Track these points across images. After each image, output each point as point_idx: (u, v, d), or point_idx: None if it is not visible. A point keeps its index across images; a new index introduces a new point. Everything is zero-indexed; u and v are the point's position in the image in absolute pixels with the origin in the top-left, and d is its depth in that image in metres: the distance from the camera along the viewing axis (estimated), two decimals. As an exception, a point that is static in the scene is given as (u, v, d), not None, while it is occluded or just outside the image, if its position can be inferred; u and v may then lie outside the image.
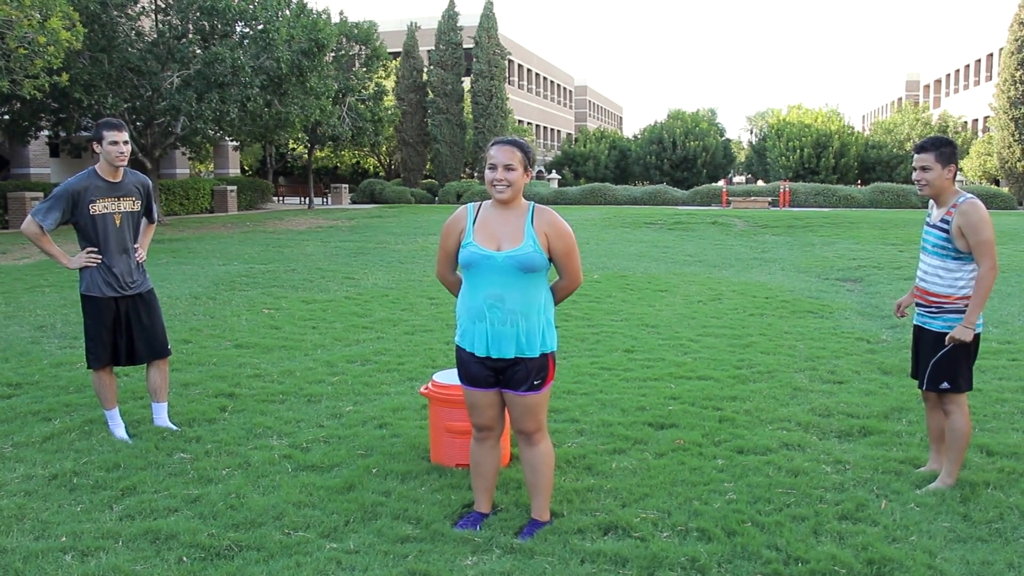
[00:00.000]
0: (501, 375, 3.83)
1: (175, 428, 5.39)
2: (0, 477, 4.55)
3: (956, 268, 4.33)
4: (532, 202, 3.84)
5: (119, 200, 5.22)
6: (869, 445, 5.11)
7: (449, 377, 4.81)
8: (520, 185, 3.75)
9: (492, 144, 3.80)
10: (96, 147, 5.11)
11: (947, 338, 4.31)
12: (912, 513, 4.11)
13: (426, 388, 4.84)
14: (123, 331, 5.29)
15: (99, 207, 5.14)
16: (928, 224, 4.51)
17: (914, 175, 4.45)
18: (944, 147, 4.35)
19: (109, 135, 5.06)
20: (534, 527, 3.92)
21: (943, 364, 4.38)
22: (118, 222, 5.21)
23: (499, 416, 3.97)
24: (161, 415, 5.46)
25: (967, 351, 4.37)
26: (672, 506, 4.19)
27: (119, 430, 5.28)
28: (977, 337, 4.35)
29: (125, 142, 5.13)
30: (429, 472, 4.63)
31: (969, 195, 4.32)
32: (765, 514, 4.09)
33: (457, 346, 3.91)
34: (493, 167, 3.72)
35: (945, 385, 4.39)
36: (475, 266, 3.73)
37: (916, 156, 4.40)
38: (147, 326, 5.35)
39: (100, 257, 5.15)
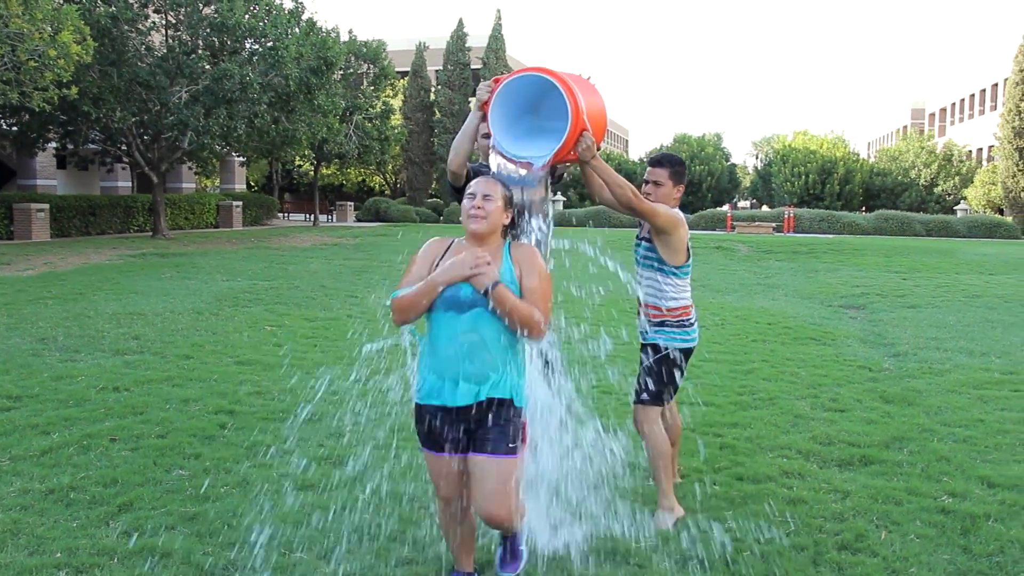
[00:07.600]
0: (470, 435, 3.39)
1: None
2: (-3, 491, 4.54)
3: None
4: (509, 239, 3.60)
5: None
6: (870, 474, 5.08)
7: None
8: (497, 221, 3.48)
9: (474, 181, 3.54)
10: None
11: None
12: (912, 544, 4.08)
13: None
14: None
15: None
16: None
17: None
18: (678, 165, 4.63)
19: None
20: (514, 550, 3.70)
21: None
22: None
23: (463, 483, 3.47)
24: None
25: None
26: (671, 533, 4.17)
27: None
28: None
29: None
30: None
31: None
32: (764, 543, 4.07)
33: (417, 405, 3.47)
34: (471, 195, 3.48)
35: None
36: (447, 299, 3.46)
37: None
38: None
39: None
